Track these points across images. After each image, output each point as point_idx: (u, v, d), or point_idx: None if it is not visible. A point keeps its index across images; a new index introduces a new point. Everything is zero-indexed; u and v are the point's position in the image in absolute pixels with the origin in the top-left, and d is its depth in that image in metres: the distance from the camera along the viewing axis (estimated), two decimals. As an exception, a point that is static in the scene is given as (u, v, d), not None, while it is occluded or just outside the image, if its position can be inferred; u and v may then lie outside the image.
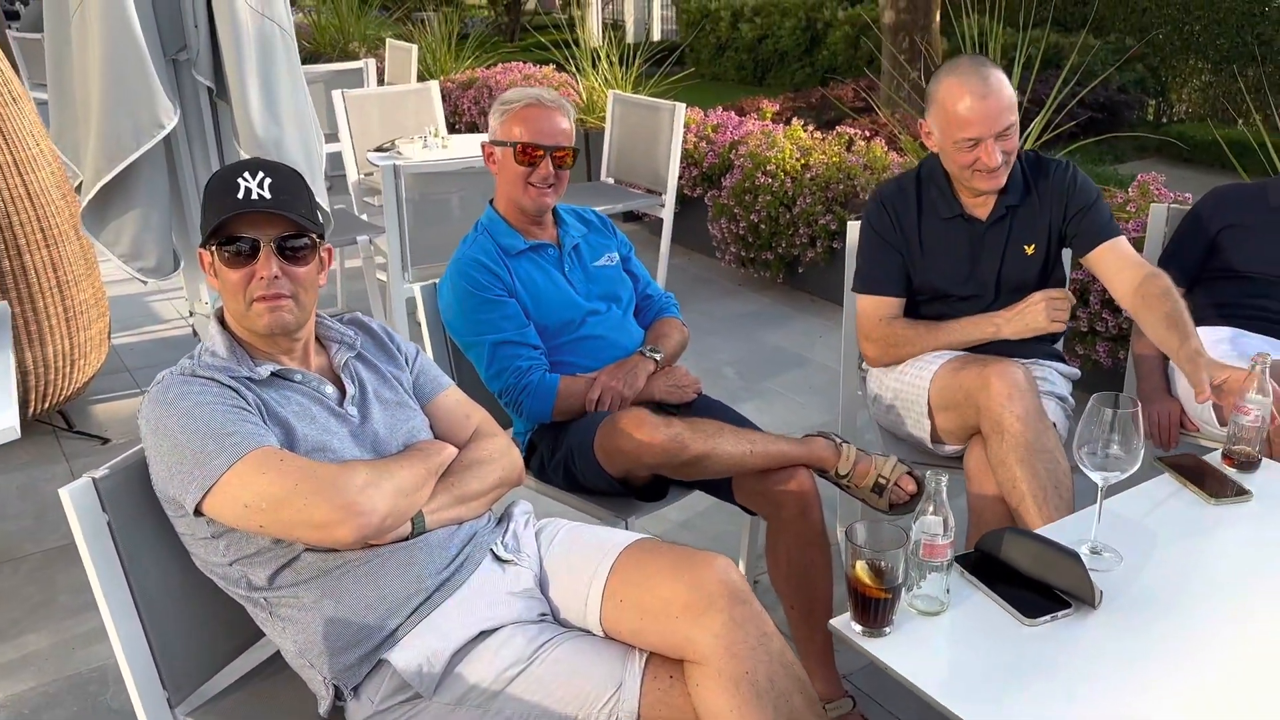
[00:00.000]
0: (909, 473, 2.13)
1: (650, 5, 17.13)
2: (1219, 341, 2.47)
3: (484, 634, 1.57)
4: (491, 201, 2.44)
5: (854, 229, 2.71)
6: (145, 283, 2.78)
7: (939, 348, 2.33)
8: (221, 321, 1.70)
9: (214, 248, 1.63)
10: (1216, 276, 2.63)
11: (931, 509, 1.45)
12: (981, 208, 2.38)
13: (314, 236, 1.66)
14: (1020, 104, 2.33)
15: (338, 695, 1.60)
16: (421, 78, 6.80)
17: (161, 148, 2.61)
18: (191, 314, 3.05)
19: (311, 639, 1.57)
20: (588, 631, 1.61)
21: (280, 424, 1.59)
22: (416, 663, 1.53)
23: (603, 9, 17.48)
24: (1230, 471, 1.84)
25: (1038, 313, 2.25)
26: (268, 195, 1.60)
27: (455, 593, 1.61)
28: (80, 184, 2.79)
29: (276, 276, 1.61)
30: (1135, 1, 10.27)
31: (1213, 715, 1.26)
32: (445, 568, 1.62)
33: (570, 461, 2.19)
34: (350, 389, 1.71)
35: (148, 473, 1.63)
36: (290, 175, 1.66)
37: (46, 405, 3.51)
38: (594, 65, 6.20)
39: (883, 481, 2.10)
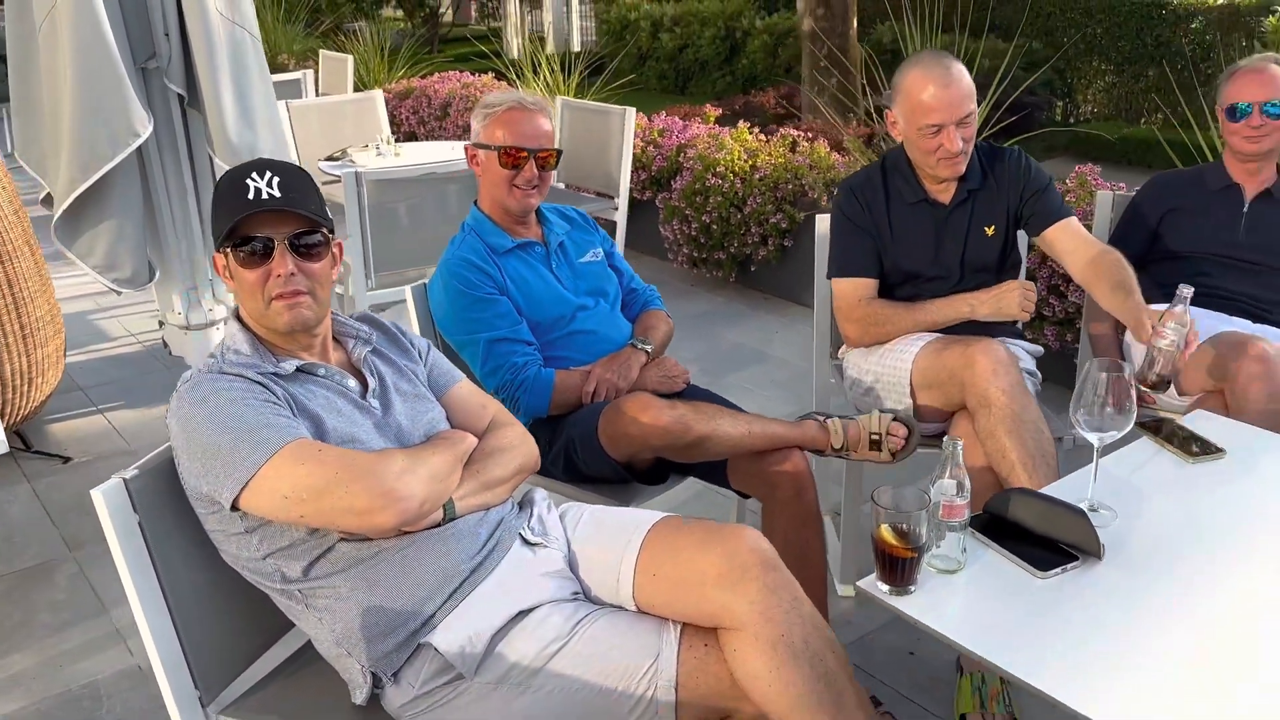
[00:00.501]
0: (894, 419, 2.24)
1: (569, 16, 17.23)
2: (1170, 317, 2.62)
3: (521, 614, 1.62)
4: (476, 202, 2.47)
5: (823, 221, 2.81)
6: (119, 293, 2.75)
7: (916, 325, 2.44)
8: (239, 320, 1.72)
9: (228, 249, 1.65)
10: (1162, 258, 2.78)
11: (947, 472, 1.53)
12: (944, 193, 2.51)
13: (325, 231, 1.69)
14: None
15: (375, 683, 1.62)
16: (356, 88, 6.77)
17: (134, 158, 2.59)
18: (162, 324, 3.02)
19: (349, 628, 1.60)
20: (621, 608, 1.67)
21: (310, 417, 1.61)
22: (458, 644, 1.57)
23: (522, 20, 17.53)
24: (1156, 398, 1.96)
25: (1013, 299, 2.37)
26: (278, 193, 1.63)
27: (489, 576, 1.65)
28: (45, 196, 2.76)
29: (293, 273, 1.64)
30: (1040, 6, 10.64)
31: (1216, 655, 1.36)
32: (478, 553, 1.66)
33: (571, 451, 2.23)
34: (371, 382, 1.74)
35: (174, 472, 1.64)
36: (298, 173, 1.69)
37: (4, 425, 3.43)
38: (535, 73, 6.25)
39: (876, 436, 2.21)
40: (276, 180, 1.63)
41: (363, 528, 1.55)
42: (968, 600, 1.51)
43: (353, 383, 1.73)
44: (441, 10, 18.52)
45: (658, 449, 2.10)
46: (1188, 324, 2.03)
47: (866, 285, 2.49)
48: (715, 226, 4.88)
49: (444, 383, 1.89)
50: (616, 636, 1.59)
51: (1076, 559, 1.55)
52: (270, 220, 1.63)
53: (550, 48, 15.89)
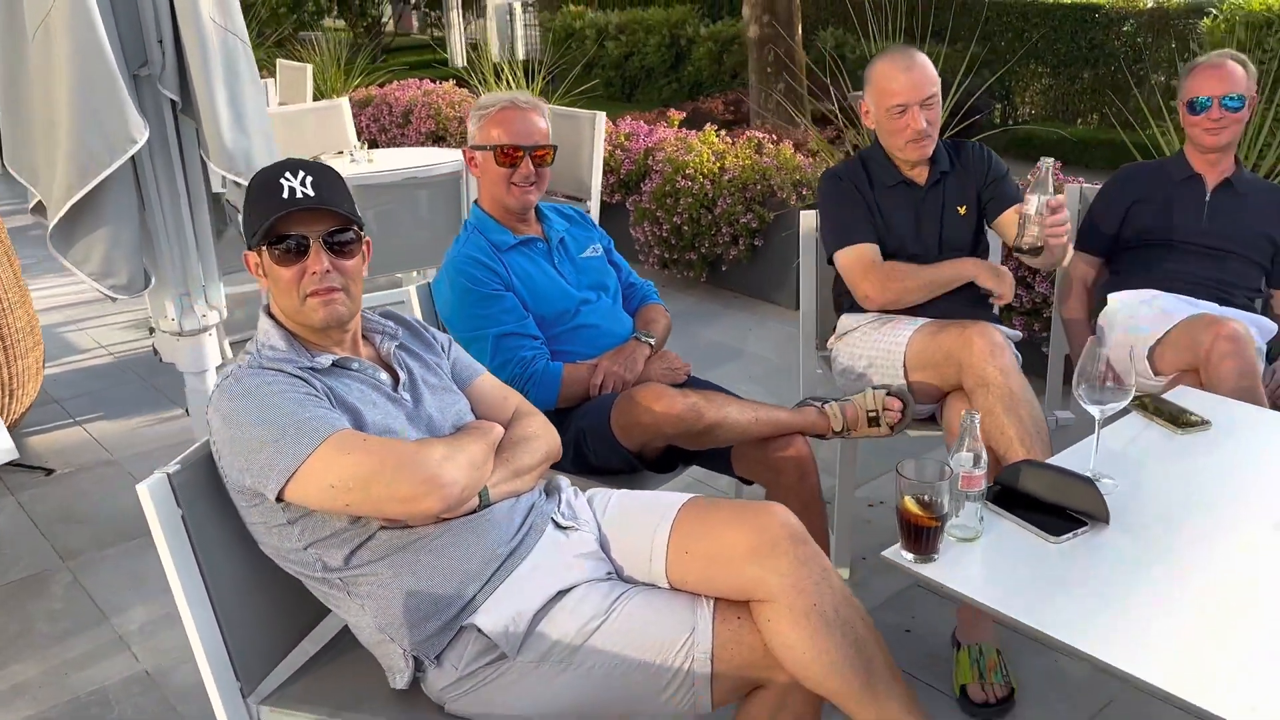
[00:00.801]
0: (888, 393, 2.34)
1: (512, 25, 17.23)
2: (1142, 303, 2.74)
3: (560, 594, 1.67)
4: (477, 202, 2.52)
5: (807, 217, 2.92)
6: (114, 299, 2.75)
7: (928, 279, 2.57)
8: (271, 317, 1.75)
9: (264, 248, 1.69)
10: (1131, 245, 2.91)
11: (965, 445, 1.62)
12: (919, 175, 2.68)
13: (357, 229, 1.73)
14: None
15: (417, 666, 1.67)
16: (314, 98, 6.76)
17: (128, 165, 2.58)
18: (152, 331, 3.01)
19: (392, 613, 1.64)
20: (653, 585, 1.72)
21: (348, 410, 1.65)
22: (502, 624, 1.62)
23: (465, 29, 17.51)
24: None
25: (1009, 278, 2.55)
26: (311, 192, 1.67)
27: (526, 558, 1.70)
28: (36, 204, 2.75)
29: (328, 270, 1.68)
30: (979, 12, 10.91)
31: (1217, 605, 1.45)
32: (513, 537, 1.71)
33: (581, 442, 2.29)
34: (402, 375, 1.79)
35: (213, 466, 1.67)
36: (328, 171, 1.73)
37: (-13, 437, 3.39)
38: (497, 79, 6.30)
39: (873, 413, 2.30)
40: (309, 179, 1.67)
41: (407, 514, 1.60)
42: (987, 565, 1.59)
43: (384, 376, 1.77)
44: (384, 20, 18.46)
45: (671, 436, 2.16)
46: (1049, 190, 2.19)
47: (871, 249, 2.60)
48: (686, 228, 4.96)
49: (467, 376, 1.94)
50: (652, 613, 1.65)
51: (1085, 524, 1.64)
52: (305, 219, 1.67)
53: (494, 56, 15.90)
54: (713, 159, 4.95)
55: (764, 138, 5.15)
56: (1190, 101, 2.79)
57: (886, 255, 2.63)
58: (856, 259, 2.59)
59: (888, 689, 1.59)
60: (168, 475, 1.60)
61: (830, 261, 2.73)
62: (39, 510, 3.30)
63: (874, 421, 2.32)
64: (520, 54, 16.40)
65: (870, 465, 3.34)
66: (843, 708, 1.60)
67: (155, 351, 3.14)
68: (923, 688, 2.40)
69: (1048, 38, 10.46)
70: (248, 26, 2.93)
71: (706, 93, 11.43)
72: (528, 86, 6.25)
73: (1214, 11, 6.68)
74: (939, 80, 2.60)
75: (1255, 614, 1.43)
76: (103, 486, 3.43)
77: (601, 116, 4.75)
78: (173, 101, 2.71)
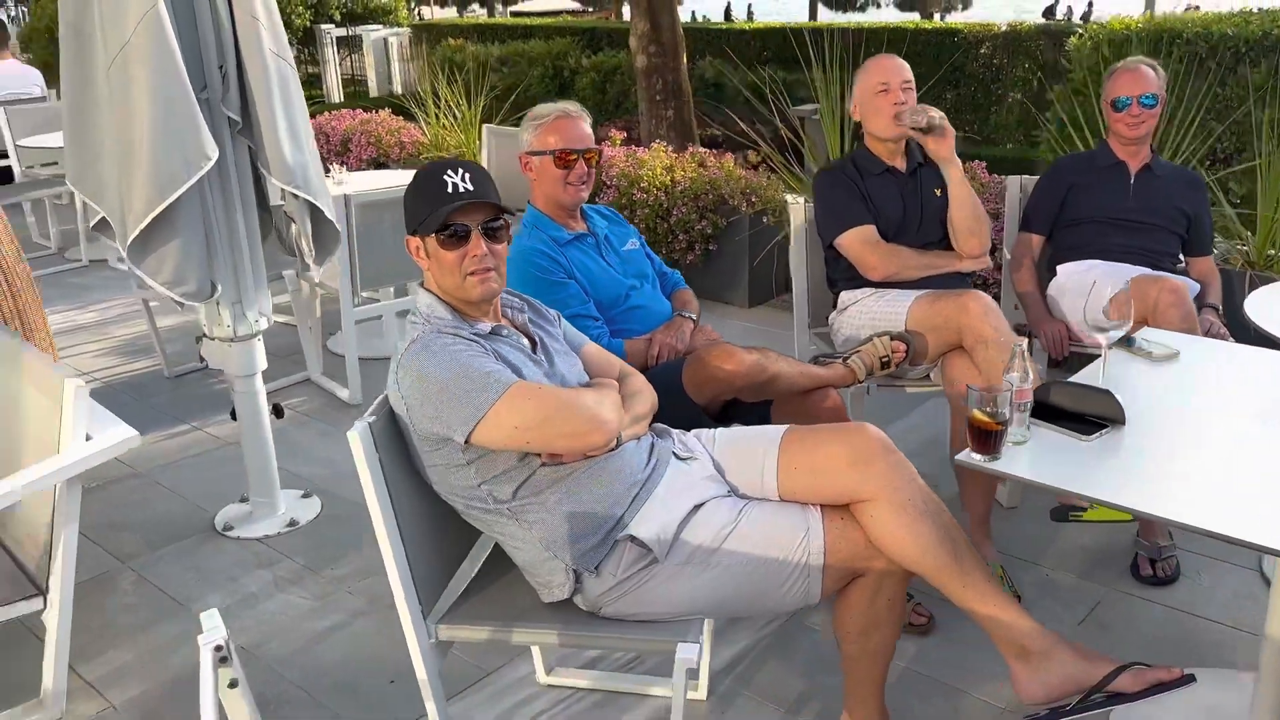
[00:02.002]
0: (890, 339, 2.76)
1: (389, 59, 17.32)
2: (1086, 271, 3.24)
3: (695, 508, 2.00)
4: (531, 202, 2.84)
5: (797, 210, 3.33)
6: (181, 305, 2.96)
7: (925, 262, 3.04)
8: (431, 293, 2.04)
9: (431, 235, 1.98)
10: (1069, 224, 3.41)
11: (1015, 367, 2.01)
12: (899, 163, 3.12)
13: (505, 217, 2.04)
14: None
15: (576, 579, 1.97)
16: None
17: (195, 184, 2.80)
18: (199, 340, 3.21)
19: (556, 533, 1.94)
20: (766, 499, 2.07)
21: (510, 367, 1.95)
22: (654, 532, 1.94)
23: (339, 64, 17.53)
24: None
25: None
26: (471, 187, 1.97)
27: (661, 482, 2.02)
28: (98, 222, 2.94)
29: (485, 254, 1.98)
30: (844, 40, 11.60)
31: (1222, 479, 1.88)
32: (645, 467, 2.03)
33: (648, 404, 2.61)
34: (537, 341, 2.10)
35: (393, 421, 1.95)
36: (480, 169, 2.03)
37: None
38: (437, 106, 6.60)
39: (885, 358, 2.70)
40: (468, 176, 1.97)
41: (574, 448, 1.91)
42: (1037, 460, 1.97)
43: (525, 341, 2.08)
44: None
45: (739, 389, 2.51)
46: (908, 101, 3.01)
47: (871, 230, 3.03)
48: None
49: (577, 343, 2.26)
50: (772, 519, 1.99)
51: (1107, 426, 2.06)
52: (466, 210, 1.97)
53: (373, 91, 16.00)
54: (664, 172, 5.34)
55: (705, 153, 5.57)
56: (1113, 101, 3.31)
57: (880, 235, 3.05)
58: (859, 237, 3.01)
59: (972, 563, 1.97)
60: (369, 424, 1.87)
61: (828, 247, 3.13)
62: (80, 521, 3.41)
63: (885, 364, 2.72)
64: (398, 88, 16.48)
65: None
66: (936, 581, 1.97)
67: (201, 359, 3.32)
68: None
69: (911, 60, 11.21)
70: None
71: (596, 121, 11.81)
72: (469, 110, 6.56)
73: (1080, 31, 7.44)
74: (912, 72, 3.09)
75: (1239, 473, 1.86)
76: (138, 496, 3.57)
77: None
78: (231, 122, 2.94)
